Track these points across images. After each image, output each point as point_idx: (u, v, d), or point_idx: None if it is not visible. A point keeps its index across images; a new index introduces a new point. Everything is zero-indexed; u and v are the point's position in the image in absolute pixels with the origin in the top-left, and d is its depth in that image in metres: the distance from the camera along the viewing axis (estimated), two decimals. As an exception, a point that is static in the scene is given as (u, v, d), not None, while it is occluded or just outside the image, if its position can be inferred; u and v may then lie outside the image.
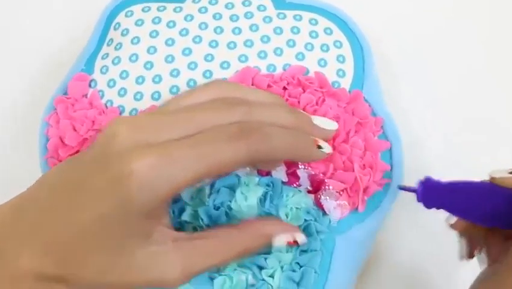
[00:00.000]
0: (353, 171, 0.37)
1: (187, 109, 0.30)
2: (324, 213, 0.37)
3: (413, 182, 0.39)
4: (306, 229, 0.36)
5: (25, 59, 0.49)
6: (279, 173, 0.37)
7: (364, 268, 0.40)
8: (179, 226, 0.36)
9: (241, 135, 0.28)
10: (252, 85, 0.39)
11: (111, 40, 0.42)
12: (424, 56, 0.48)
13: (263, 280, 0.35)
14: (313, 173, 0.37)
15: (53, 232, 0.27)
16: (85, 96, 0.40)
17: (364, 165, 0.38)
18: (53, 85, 0.42)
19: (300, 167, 0.37)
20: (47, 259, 0.27)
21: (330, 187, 0.37)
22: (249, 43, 0.41)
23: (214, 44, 0.41)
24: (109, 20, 0.43)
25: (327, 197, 0.37)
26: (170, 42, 0.41)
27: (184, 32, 0.41)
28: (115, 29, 0.42)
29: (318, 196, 0.37)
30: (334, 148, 0.38)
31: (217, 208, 0.36)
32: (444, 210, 0.34)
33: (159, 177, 0.27)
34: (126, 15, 0.42)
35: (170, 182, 0.27)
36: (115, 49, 0.41)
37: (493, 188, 0.32)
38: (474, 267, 0.34)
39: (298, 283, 0.35)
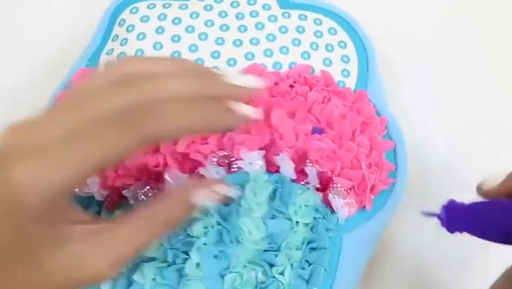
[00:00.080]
0: (360, 169, 0.38)
1: (75, 100, 0.28)
2: (332, 211, 0.37)
3: (414, 182, 0.40)
4: (315, 227, 0.36)
5: (25, 59, 0.49)
6: (288, 171, 0.37)
7: (369, 264, 0.40)
8: (189, 222, 0.35)
9: (126, 121, 0.26)
10: (260, 82, 0.39)
11: (116, 35, 0.42)
12: (426, 56, 0.49)
13: (273, 277, 0.35)
14: (321, 170, 0.37)
15: None
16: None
17: (370, 164, 0.38)
18: (53, 85, 0.41)
19: (308, 164, 0.37)
20: None
21: (339, 185, 0.37)
22: (254, 41, 0.41)
23: (220, 41, 0.41)
24: (113, 16, 0.43)
25: (336, 195, 0.37)
26: (176, 38, 0.41)
27: (190, 29, 0.41)
28: (120, 25, 0.42)
29: (327, 194, 0.37)
30: (341, 146, 0.38)
31: (227, 205, 0.36)
32: (469, 233, 0.33)
33: (39, 181, 0.25)
34: (131, 12, 0.42)
35: (51, 184, 0.25)
36: (121, 44, 0.41)
37: None
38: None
39: (307, 281, 0.35)
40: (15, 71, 0.48)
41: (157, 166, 0.37)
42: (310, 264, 0.36)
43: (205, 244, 0.35)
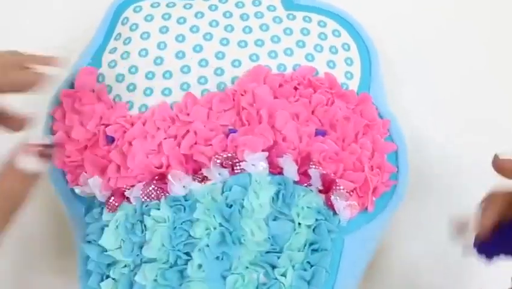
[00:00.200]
0: (363, 171, 0.38)
1: None
2: (335, 213, 0.37)
3: (414, 182, 0.40)
4: (317, 229, 0.36)
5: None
6: (291, 172, 0.37)
7: (368, 264, 0.40)
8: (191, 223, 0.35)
9: None
10: (264, 83, 0.39)
11: (119, 34, 0.41)
12: (426, 56, 0.49)
13: (275, 278, 0.35)
14: (324, 172, 0.37)
15: None
16: (93, 90, 0.39)
17: (372, 166, 0.39)
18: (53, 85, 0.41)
19: (311, 166, 0.37)
20: None
21: (341, 187, 0.37)
22: (259, 42, 0.41)
23: (225, 42, 0.41)
24: (116, 14, 0.42)
25: (338, 197, 0.37)
26: (180, 38, 0.40)
27: (194, 29, 0.41)
28: (123, 23, 0.42)
29: (329, 196, 0.37)
30: (344, 148, 0.38)
31: (229, 206, 0.36)
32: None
33: None
34: (134, 11, 0.42)
35: None
36: (124, 43, 0.41)
37: None
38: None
39: (309, 282, 0.35)
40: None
41: (160, 167, 0.37)
42: (312, 266, 0.36)
43: (207, 246, 0.35)
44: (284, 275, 0.35)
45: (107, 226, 0.36)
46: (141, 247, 0.36)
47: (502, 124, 0.47)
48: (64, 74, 0.41)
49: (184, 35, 0.41)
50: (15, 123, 0.36)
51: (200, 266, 0.35)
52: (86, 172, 0.37)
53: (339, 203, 0.37)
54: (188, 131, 0.37)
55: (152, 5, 0.42)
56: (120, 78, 0.39)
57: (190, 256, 0.35)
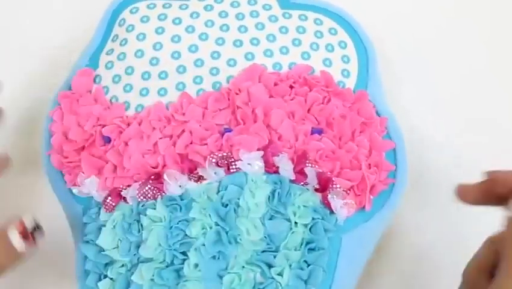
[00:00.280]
0: (360, 169, 0.38)
1: None
2: (331, 211, 0.37)
3: (413, 182, 0.40)
4: (314, 228, 0.36)
5: (25, 59, 0.49)
6: (287, 171, 0.37)
7: (367, 263, 0.40)
8: (187, 223, 0.35)
9: None
10: (259, 82, 0.39)
11: (116, 36, 0.42)
12: (425, 55, 0.49)
13: (272, 278, 0.35)
14: (321, 171, 0.37)
15: None
16: (90, 91, 0.40)
17: (369, 164, 0.38)
18: (53, 85, 0.41)
19: (307, 165, 0.37)
20: None
21: (338, 185, 0.37)
22: (255, 41, 0.41)
23: (220, 41, 0.41)
24: (113, 16, 0.43)
25: (335, 196, 0.37)
26: (176, 39, 0.41)
27: (190, 29, 0.41)
28: (120, 25, 0.42)
29: (326, 195, 0.37)
30: (340, 147, 0.38)
31: (225, 205, 0.36)
32: None
33: None
34: (131, 12, 0.42)
35: None
36: (121, 44, 0.41)
37: None
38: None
39: (306, 282, 0.35)
40: (15, 71, 0.48)
41: (156, 167, 0.37)
42: (309, 265, 0.36)
43: (203, 245, 0.35)
44: (280, 274, 0.35)
45: (104, 225, 0.37)
46: (138, 247, 0.36)
47: (502, 124, 0.46)
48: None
49: (180, 36, 0.41)
50: None
51: (196, 265, 0.35)
52: (83, 172, 0.37)
53: (336, 201, 0.37)
54: (183, 131, 0.37)
55: (148, 6, 0.42)
56: (116, 79, 0.40)
57: (187, 255, 0.35)
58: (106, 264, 0.36)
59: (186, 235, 0.35)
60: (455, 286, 0.42)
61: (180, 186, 0.36)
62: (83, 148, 0.38)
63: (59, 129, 0.39)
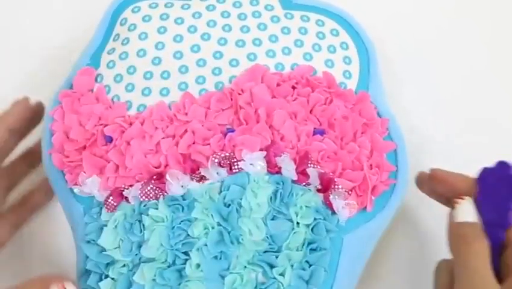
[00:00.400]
0: (362, 170, 0.38)
1: None
2: (333, 212, 0.37)
3: (413, 182, 0.40)
4: (315, 228, 0.36)
5: (25, 59, 0.49)
6: (289, 172, 0.37)
7: (367, 263, 0.40)
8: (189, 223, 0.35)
9: None
10: (262, 82, 0.39)
11: (118, 35, 0.41)
12: (426, 56, 0.49)
13: (274, 278, 0.35)
14: (323, 171, 0.37)
15: None
16: (91, 90, 0.40)
17: (371, 165, 0.38)
18: (53, 85, 0.41)
19: (309, 165, 0.37)
20: None
21: (340, 186, 0.37)
22: (257, 42, 0.41)
23: (222, 41, 0.41)
24: (115, 15, 0.42)
25: (336, 196, 0.37)
26: (178, 38, 0.41)
27: (192, 29, 0.41)
28: (121, 24, 0.42)
29: (328, 195, 0.37)
30: (342, 147, 0.38)
31: (227, 205, 0.36)
32: None
33: None
34: (132, 11, 0.42)
35: None
36: (122, 44, 0.41)
37: None
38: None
39: (308, 282, 0.35)
40: (16, 71, 0.49)
41: (158, 167, 0.37)
42: (310, 265, 0.36)
43: (205, 245, 0.35)
44: (282, 274, 0.35)
45: (106, 225, 0.36)
46: (139, 247, 0.36)
47: (502, 124, 0.46)
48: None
49: (182, 35, 0.41)
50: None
51: (198, 265, 0.35)
52: (85, 172, 0.37)
53: (338, 202, 0.37)
54: (186, 131, 0.37)
55: (150, 6, 0.42)
56: (118, 78, 0.40)
57: (189, 255, 0.35)
58: (108, 264, 0.36)
59: (188, 235, 0.35)
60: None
61: (182, 186, 0.36)
62: (84, 147, 0.38)
63: (61, 128, 0.38)
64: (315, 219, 0.36)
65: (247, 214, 0.36)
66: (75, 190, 0.38)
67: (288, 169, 0.37)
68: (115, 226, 0.36)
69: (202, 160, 0.37)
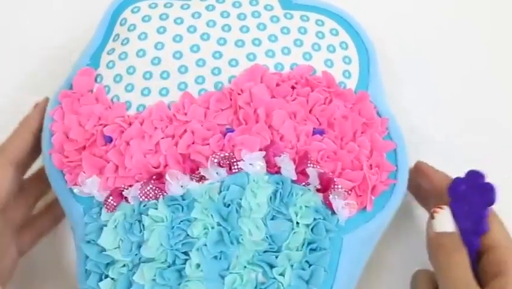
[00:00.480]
0: (361, 170, 0.38)
1: None
2: (333, 212, 0.37)
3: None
4: (315, 228, 0.36)
5: (25, 59, 0.49)
6: (289, 171, 0.37)
7: (367, 263, 0.40)
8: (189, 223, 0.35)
9: None
10: (261, 82, 0.39)
11: (117, 35, 0.42)
12: (426, 56, 0.49)
13: (273, 278, 0.35)
14: (322, 171, 0.37)
15: None
16: (91, 91, 0.40)
17: (371, 165, 0.38)
18: (53, 85, 0.41)
19: (309, 165, 0.37)
20: None
21: (339, 186, 0.37)
22: (257, 42, 0.41)
23: (222, 41, 0.41)
24: (114, 15, 0.43)
25: (336, 196, 0.37)
26: (178, 38, 0.41)
27: (191, 29, 0.41)
28: (121, 24, 0.42)
29: (327, 195, 0.37)
30: (342, 147, 0.38)
31: (227, 205, 0.36)
32: None
33: None
34: (132, 12, 0.42)
35: None
36: (122, 44, 0.41)
37: None
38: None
39: (307, 282, 0.35)
40: (16, 71, 0.49)
41: (158, 167, 0.37)
42: (310, 265, 0.36)
43: (205, 245, 0.35)
44: (282, 274, 0.35)
45: (106, 225, 0.36)
46: (139, 247, 0.36)
47: (502, 124, 0.46)
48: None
49: (181, 35, 0.41)
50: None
51: (198, 266, 0.35)
52: (84, 172, 0.37)
53: (337, 202, 0.37)
54: (185, 131, 0.37)
55: (149, 6, 0.42)
56: (118, 78, 0.40)
57: (188, 255, 0.35)
58: (108, 264, 0.36)
59: (188, 235, 0.35)
60: None
61: (182, 186, 0.36)
62: (84, 147, 0.38)
63: (60, 128, 0.39)
64: (315, 219, 0.36)
65: (246, 214, 0.36)
66: (75, 190, 0.38)
67: (288, 169, 0.37)
68: (115, 226, 0.36)
69: (201, 160, 0.37)
